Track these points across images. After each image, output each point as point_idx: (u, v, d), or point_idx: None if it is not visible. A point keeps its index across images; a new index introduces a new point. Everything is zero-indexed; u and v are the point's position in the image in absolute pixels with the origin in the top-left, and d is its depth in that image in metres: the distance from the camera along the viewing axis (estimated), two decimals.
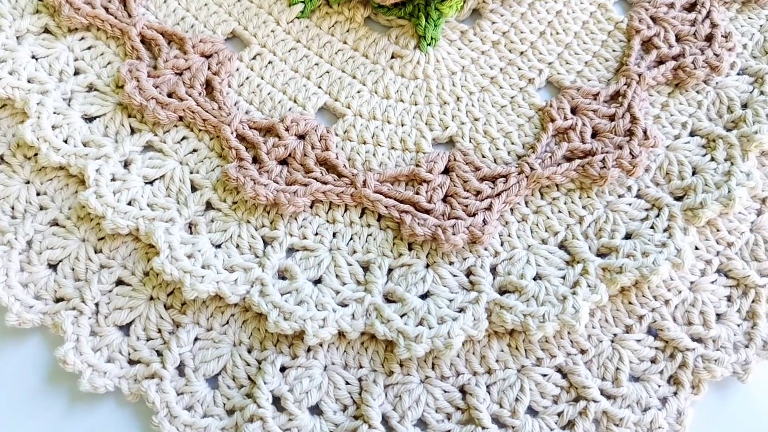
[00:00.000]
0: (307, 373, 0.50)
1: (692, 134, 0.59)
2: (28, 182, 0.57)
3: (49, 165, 0.56)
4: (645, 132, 0.57)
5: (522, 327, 0.50)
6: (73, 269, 0.54)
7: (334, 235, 0.55)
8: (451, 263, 0.54)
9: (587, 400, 0.51)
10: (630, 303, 0.54)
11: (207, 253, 0.52)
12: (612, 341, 0.53)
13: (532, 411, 0.51)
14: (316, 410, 0.51)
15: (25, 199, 0.56)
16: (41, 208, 0.56)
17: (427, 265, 0.54)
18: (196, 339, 0.52)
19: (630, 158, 0.56)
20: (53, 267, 0.55)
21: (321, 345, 0.51)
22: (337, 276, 0.53)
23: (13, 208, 0.56)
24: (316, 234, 0.55)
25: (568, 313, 0.50)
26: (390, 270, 0.54)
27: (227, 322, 0.53)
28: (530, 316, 0.50)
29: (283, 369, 0.51)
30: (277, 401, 0.50)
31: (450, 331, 0.50)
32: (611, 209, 0.56)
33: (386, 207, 0.54)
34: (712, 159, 0.57)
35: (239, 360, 0.52)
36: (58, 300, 0.54)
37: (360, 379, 0.51)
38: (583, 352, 0.53)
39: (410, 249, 0.54)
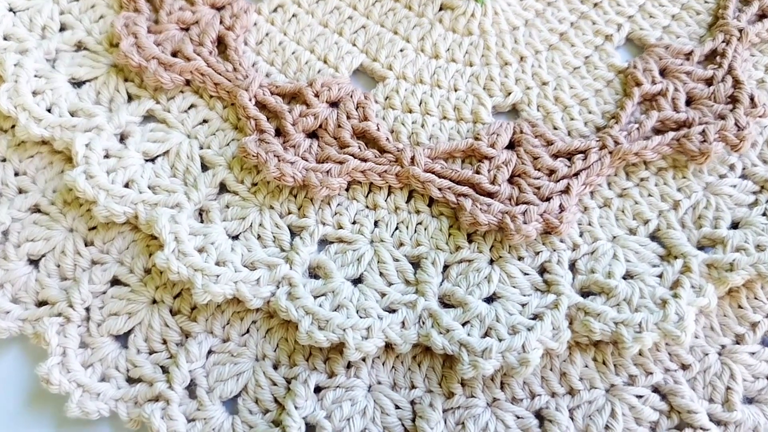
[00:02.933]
0: (348, 395, 0.43)
1: None
2: (4, 160, 0.49)
3: (29, 139, 0.49)
4: (752, 98, 0.48)
5: (613, 338, 0.42)
6: (58, 266, 0.47)
7: (376, 223, 0.47)
8: (520, 258, 0.46)
9: (693, 427, 0.42)
10: (740, 307, 0.46)
11: (222, 246, 0.45)
12: (720, 354, 0.45)
13: None
14: None
15: (0, 180, 0.48)
16: (20, 192, 0.49)
17: (492, 261, 0.46)
18: (209, 352, 0.45)
19: (735, 130, 0.47)
20: (34, 263, 0.47)
21: (364, 360, 0.43)
22: (381, 274, 0.45)
23: None
24: (354, 222, 0.47)
25: (671, 321, 0.42)
26: (446, 267, 0.46)
27: (248, 331, 0.45)
28: (623, 324, 0.42)
29: (318, 390, 0.43)
30: (310, 430, 0.42)
31: (525, 344, 0.41)
32: (712, 192, 0.48)
33: (440, 189, 0.46)
34: None
35: (263, 378, 0.44)
36: (40, 304, 0.46)
37: (413, 402, 0.43)
38: (684, 367, 0.44)
39: (470, 241, 0.46)
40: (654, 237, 0.47)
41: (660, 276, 0.44)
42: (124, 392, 0.44)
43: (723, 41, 0.51)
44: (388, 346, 0.43)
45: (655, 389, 0.44)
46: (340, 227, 0.46)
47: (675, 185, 0.48)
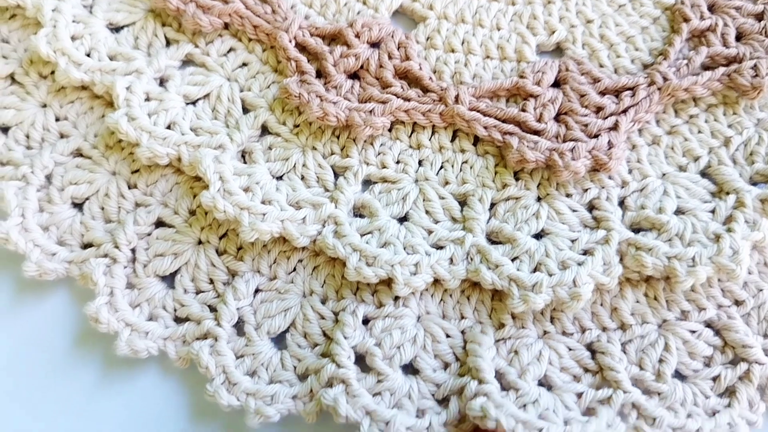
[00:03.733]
0: (397, 324, 0.42)
1: None
2: (44, 105, 0.49)
3: (70, 84, 0.48)
4: None
5: (666, 272, 0.41)
6: (102, 208, 0.46)
7: (420, 163, 0.46)
8: (568, 195, 0.44)
9: (749, 362, 0.41)
10: None
11: (267, 186, 0.44)
12: None
13: (679, 375, 0.42)
14: (410, 369, 0.42)
15: (41, 125, 0.48)
16: (61, 136, 0.48)
17: (539, 199, 0.44)
18: (256, 290, 0.44)
19: None
20: (78, 206, 0.47)
21: (413, 293, 0.43)
22: (427, 212, 0.44)
23: (28, 137, 0.48)
24: (398, 162, 0.46)
25: (725, 255, 0.40)
26: (492, 205, 0.44)
27: (294, 270, 0.44)
28: (676, 258, 0.40)
29: (366, 321, 0.43)
30: (360, 360, 0.42)
31: (576, 279, 0.40)
32: (765, 128, 0.46)
33: (485, 128, 0.45)
34: None
35: (311, 312, 0.43)
36: (85, 246, 0.46)
37: (463, 332, 0.42)
38: (738, 303, 0.43)
39: (516, 179, 0.45)
40: (705, 174, 0.45)
41: (712, 212, 0.43)
42: (171, 331, 0.43)
43: None
44: (436, 282, 0.42)
45: (708, 325, 0.42)
46: (384, 167, 0.45)
47: (726, 122, 0.46)
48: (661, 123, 0.46)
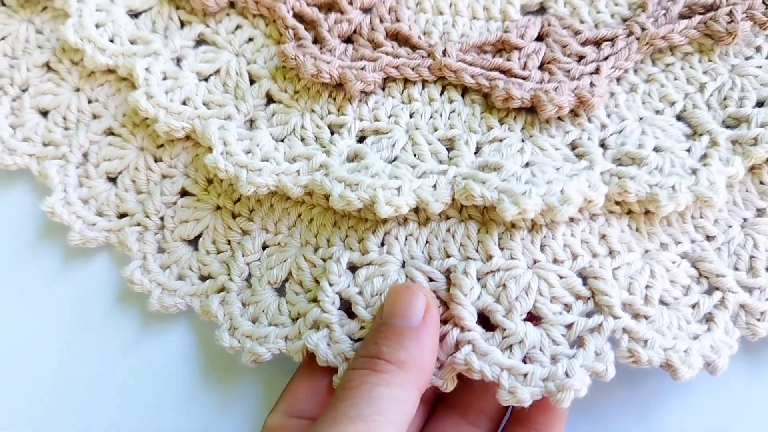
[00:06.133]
0: (379, 271, 0.43)
1: None
2: (78, 90, 0.53)
3: (97, 68, 0.52)
4: None
5: (648, 199, 0.42)
6: (134, 181, 0.51)
7: (411, 115, 0.48)
8: (551, 137, 0.46)
9: (722, 290, 0.43)
10: (762, 183, 0.46)
11: (266, 146, 0.47)
12: (742, 227, 0.45)
13: (663, 303, 0.43)
14: None
15: (76, 108, 0.53)
16: (94, 117, 0.52)
17: (523, 140, 0.46)
18: (264, 246, 0.47)
19: (764, 8, 0.47)
20: (113, 180, 0.51)
21: (397, 239, 0.44)
22: (415, 155, 0.45)
23: (65, 119, 0.53)
24: (390, 116, 0.48)
25: (703, 186, 0.42)
26: (478, 148, 0.46)
27: (294, 224, 0.47)
28: (657, 186, 0.42)
29: (354, 269, 0.44)
30: (347, 306, 0.43)
31: (564, 189, 0.41)
32: (738, 74, 0.47)
33: (472, 76, 0.47)
34: None
35: (303, 261, 0.46)
36: (121, 216, 0.50)
37: (449, 271, 0.43)
38: (710, 238, 0.45)
39: (501, 123, 0.47)
40: (680, 118, 0.46)
41: (688, 150, 0.44)
42: (196, 288, 0.47)
43: None
44: (422, 223, 0.44)
45: (684, 257, 0.44)
46: (377, 120, 0.47)
47: (701, 68, 0.47)
48: (639, 72, 0.48)
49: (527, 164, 0.44)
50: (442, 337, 0.41)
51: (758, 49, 0.48)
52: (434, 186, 0.43)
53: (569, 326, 0.41)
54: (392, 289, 0.41)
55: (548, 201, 0.40)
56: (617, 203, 0.44)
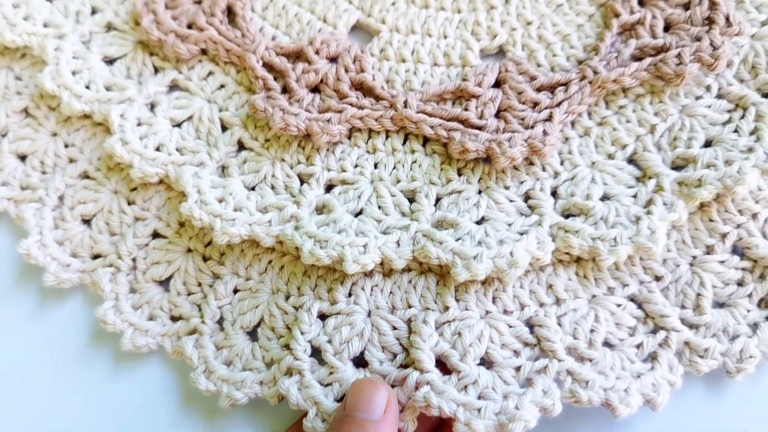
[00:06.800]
0: (347, 321, 0.46)
1: None
2: (55, 134, 0.55)
3: (73, 114, 0.54)
4: (727, 18, 0.49)
5: (591, 252, 0.45)
6: (107, 223, 0.52)
7: (376, 165, 0.50)
8: (506, 188, 0.48)
9: (666, 329, 0.46)
10: (711, 220, 0.48)
11: (239, 195, 0.49)
12: (691, 264, 0.47)
13: (607, 345, 0.46)
14: (361, 362, 0.46)
15: (53, 152, 0.54)
16: (70, 161, 0.54)
17: (480, 192, 0.49)
18: (236, 291, 0.50)
19: (711, 50, 0.48)
20: (87, 222, 0.53)
21: (363, 290, 0.47)
22: (379, 207, 0.48)
23: (42, 163, 0.55)
24: (356, 166, 0.50)
25: (643, 235, 0.44)
26: (438, 200, 0.49)
27: (265, 270, 0.50)
28: (600, 239, 0.45)
29: (324, 318, 0.47)
30: (318, 353, 0.46)
31: (513, 251, 0.44)
32: (687, 114, 0.49)
33: (431, 127, 0.49)
34: None
35: (275, 309, 0.48)
36: (95, 257, 0.52)
37: (410, 321, 0.46)
38: (658, 279, 0.47)
39: (459, 175, 0.49)
40: (631, 160, 0.48)
41: (635, 196, 0.47)
42: (168, 328, 0.49)
43: None
44: (386, 275, 0.47)
45: (632, 299, 0.47)
46: (343, 170, 0.49)
47: (652, 110, 0.49)
48: (593, 115, 0.50)
49: (482, 219, 0.47)
50: (403, 380, 0.44)
51: (708, 88, 0.50)
52: (397, 242, 0.46)
53: (518, 368, 0.45)
54: (356, 383, 0.43)
55: (498, 264, 0.44)
56: (566, 253, 0.46)
